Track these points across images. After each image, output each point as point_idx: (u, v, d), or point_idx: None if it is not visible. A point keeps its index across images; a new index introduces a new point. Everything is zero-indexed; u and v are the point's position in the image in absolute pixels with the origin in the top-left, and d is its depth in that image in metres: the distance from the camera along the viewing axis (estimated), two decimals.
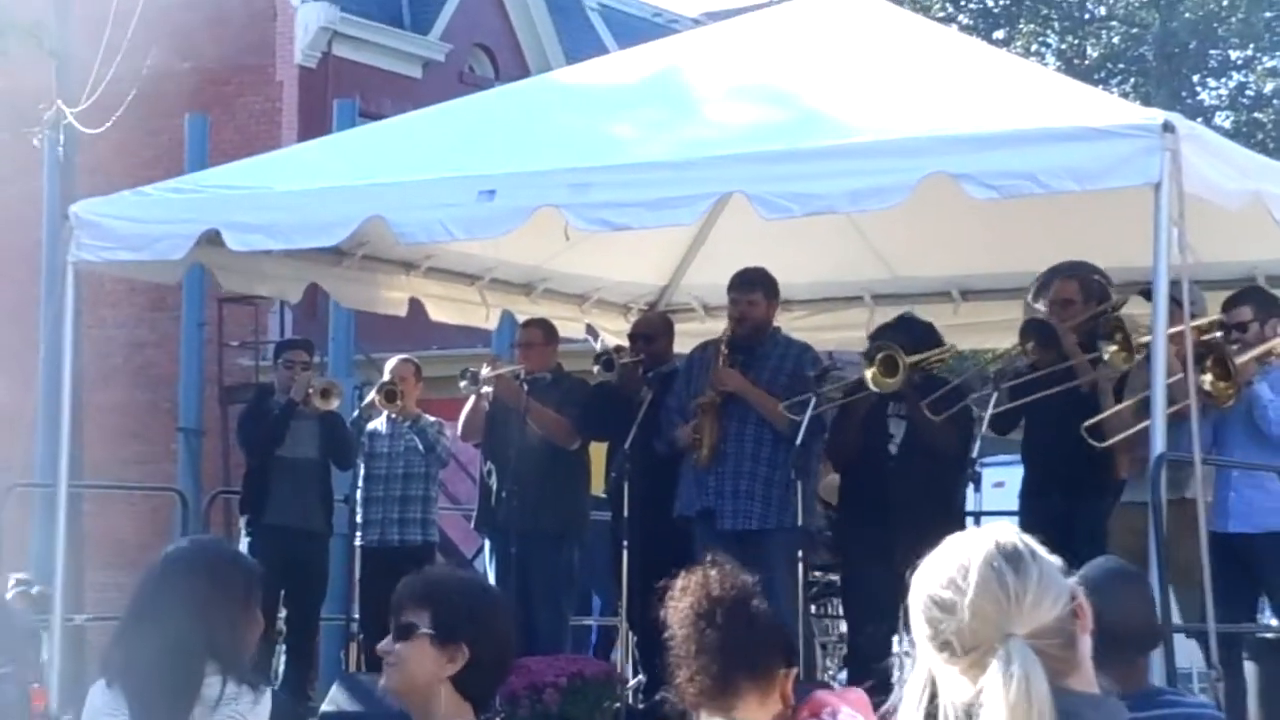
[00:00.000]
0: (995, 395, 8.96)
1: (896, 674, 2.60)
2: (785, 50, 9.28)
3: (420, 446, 11.06)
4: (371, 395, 11.36)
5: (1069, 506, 8.69)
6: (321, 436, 11.06)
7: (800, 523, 9.07)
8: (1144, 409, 7.53)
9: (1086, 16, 31.49)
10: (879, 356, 9.08)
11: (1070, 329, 8.84)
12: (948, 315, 10.88)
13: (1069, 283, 9.05)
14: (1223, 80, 31.65)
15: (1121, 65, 30.98)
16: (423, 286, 11.14)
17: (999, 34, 29.93)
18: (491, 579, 9.70)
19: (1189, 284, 7.44)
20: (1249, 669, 8.06)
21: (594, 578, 11.93)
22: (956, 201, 7.87)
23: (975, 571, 2.49)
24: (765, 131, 8.34)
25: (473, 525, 11.26)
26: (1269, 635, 8.59)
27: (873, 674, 8.79)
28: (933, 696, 2.52)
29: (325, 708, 9.59)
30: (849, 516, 9.58)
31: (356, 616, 11.26)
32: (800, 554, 9.11)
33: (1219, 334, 8.27)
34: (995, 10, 31.09)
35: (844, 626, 10.88)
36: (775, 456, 9.22)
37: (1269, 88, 31.36)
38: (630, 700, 9.58)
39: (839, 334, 11.49)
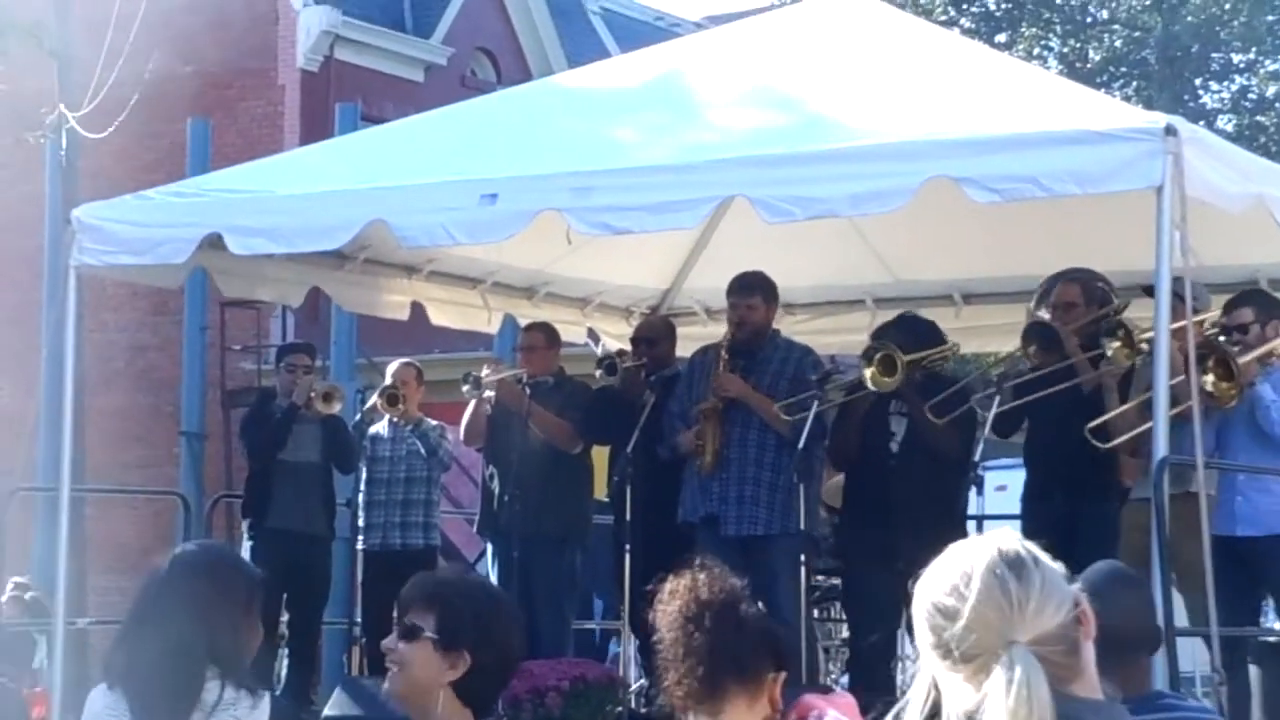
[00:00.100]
0: (998, 397, 8.95)
1: (900, 680, 2.61)
2: (787, 54, 9.28)
3: (422, 450, 11.06)
4: (373, 399, 11.36)
5: (1072, 509, 8.68)
6: (323, 440, 11.06)
7: (803, 527, 9.07)
8: (1149, 409, 7.51)
9: (1088, 20, 31.49)
10: (877, 356, 9.08)
11: (1072, 332, 8.83)
12: (949, 319, 10.87)
13: (1071, 286, 9.05)
14: (1225, 84, 31.66)
15: (1124, 69, 30.98)
16: (424, 290, 11.14)
17: (1001, 37, 29.94)
18: (494, 583, 9.71)
19: (1193, 282, 7.43)
20: (1253, 672, 8.05)
21: (596, 581, 11.94)
22: (958, 205, 7.86)
23: (978, 578, 2.49)
24: (767, 135, 8.33)
25: (475, 529, 11.27)
26: (1272, 639, 8.59)
27: (875, 677, 8.85)
28: (935, 704, 2.52)
29: (328, 711, 9.59)
30: (851, 517, 9.58)
31: (359, 620, 11.25)
32: (803, 558, 9.11)
33: (1220, 336, 8.27)
34: (997, 14, 31.10)
35: (846, 630, 10.88)
36: (778, 461, 9.22)
37: (1271, 91, 31.36)
38: (633, 704, 9.57)
39: (841, 337, 11.48)
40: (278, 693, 10.36)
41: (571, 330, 11.71)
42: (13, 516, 9.84)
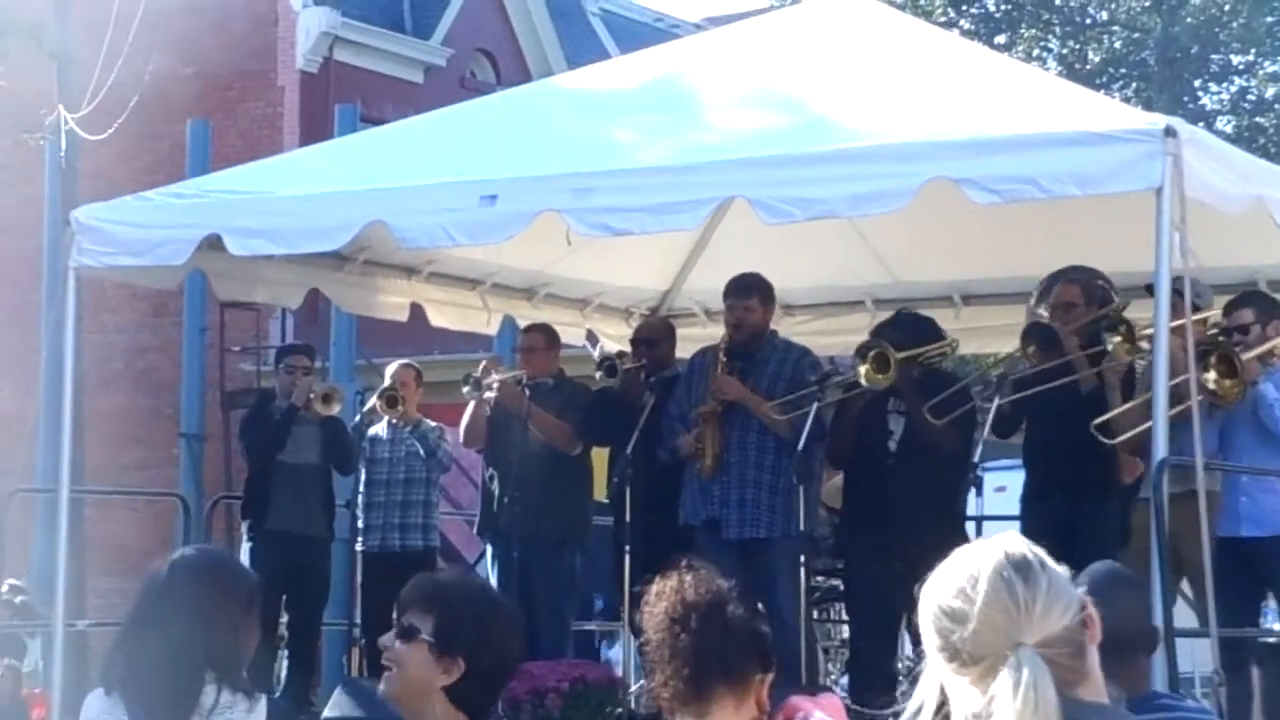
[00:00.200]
0: (997, 397, 8.94)
1: (904, 684, 2.62)
2: (787, 55, 9.27)
3: (421, 452, 11.06)
4: (373, 400, 11.36)
5: (1071, 509, 8.66)
6: (323, 442, 11.06)
7: (803, 528, 9.07)
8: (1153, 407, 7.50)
9: (1088, 21, 31.50)
10: (870, 353, 9.07)
11: (1072, 332, 8.83)
12: (949, 320, 10.86)
13: (1071, 286, 9.04)
14: (1224, 85, 31.67)
15: (1123, 70, 30.98)
16: (424, 291, 11.13)
17: (1000, 39, 29.95)
18: (493, 584, 9.70)
19: (1195, 280, 7.42)
20: (1254, 673, 8.05)
21: (596, 582, 11.93)
22: (958, 206, 7.86)
23: (985, 581, 2.50)
24: (767, 136, 8.33)
25: (475, 530, 11.27)
26: (1272, 640, 8.58)
27: (875, 677, 8.85)
28: (942, 706, 2.53)
29: (327, 713, 9.58)
30: (850, 517, 9.57)
31: (358, 621, 11.26)
32: (803, 559, 9.11)
33: (1221, 338, 8.27)
34: (996, 15, 31.11)
35: (846, 631, 10.88)
36: (778, 463, 9.21)
37: (1270, 93, 31.36)
38: (632, 705, 9.57)
39: (841, 339, 11.46)
40: (277, 694, 10.36)
41: (571, 331, 11.71)
42: (12, 518, 9.83)
